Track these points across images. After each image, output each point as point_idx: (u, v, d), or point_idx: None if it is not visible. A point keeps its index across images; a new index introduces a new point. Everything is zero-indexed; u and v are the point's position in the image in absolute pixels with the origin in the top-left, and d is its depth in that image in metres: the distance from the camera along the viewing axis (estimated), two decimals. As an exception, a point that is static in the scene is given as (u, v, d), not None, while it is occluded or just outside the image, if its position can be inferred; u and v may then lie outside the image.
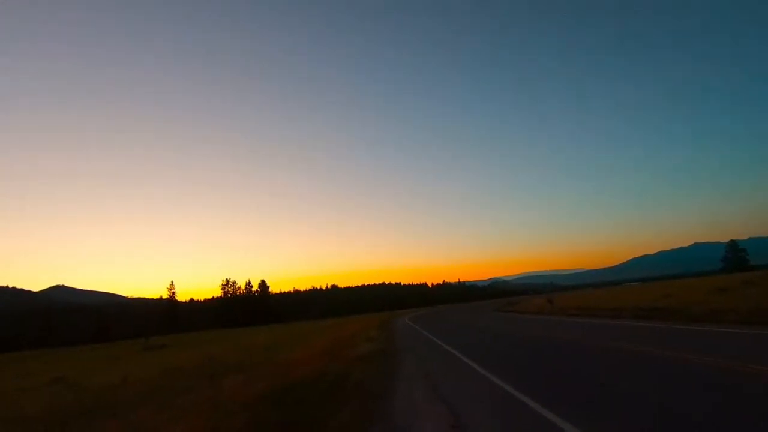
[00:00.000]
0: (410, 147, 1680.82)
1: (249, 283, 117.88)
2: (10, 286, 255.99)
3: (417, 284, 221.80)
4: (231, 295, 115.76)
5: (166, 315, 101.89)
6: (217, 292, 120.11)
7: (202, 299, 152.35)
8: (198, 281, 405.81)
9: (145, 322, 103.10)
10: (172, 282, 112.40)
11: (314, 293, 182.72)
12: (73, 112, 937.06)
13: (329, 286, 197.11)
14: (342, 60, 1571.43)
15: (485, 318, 31.39)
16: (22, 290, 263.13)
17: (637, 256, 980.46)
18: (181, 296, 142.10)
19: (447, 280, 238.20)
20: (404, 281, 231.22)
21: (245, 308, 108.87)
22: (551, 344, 12.45)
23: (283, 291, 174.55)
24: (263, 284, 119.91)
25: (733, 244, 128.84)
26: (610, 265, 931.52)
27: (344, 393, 7.69)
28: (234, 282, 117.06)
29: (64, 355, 40.86)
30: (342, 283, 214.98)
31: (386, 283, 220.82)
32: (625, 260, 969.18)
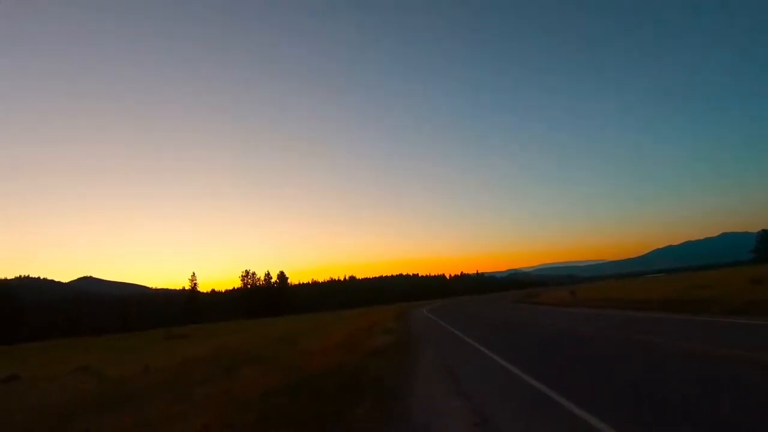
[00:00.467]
0: (429, 138, 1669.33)
1: (268, 275, 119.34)
2: (41, 277, 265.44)
3: (435, 275, 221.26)
4: (251, 286, 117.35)
5: (188, 306, 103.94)
6: (238, 284, 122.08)
7: (223, 290, 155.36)
8: (220, 273, 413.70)
9: (168, 312, 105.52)
10: (193, 273, 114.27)
11: (332, 284, 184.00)
12: (102, 108, 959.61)
13: (347, 278, 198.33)
14: (364, 57, 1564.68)
15: (505, 309, 30.83)
16: (51, 281, 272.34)
17: (660, 246, 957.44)
18: (203, 287, 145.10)
19: (465, 272, 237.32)
20: (422, 272, 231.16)
21: (264, 299, 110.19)
22: (577, 338, 11.87)
23: (302, 282, 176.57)
24: (282, 275, 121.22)
25: (764, 234, 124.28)
26: (633, 256, 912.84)
27: (361, 387, 7.39)
28: (254, 273, 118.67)
29: (90, 345, 41.88)
30: (360, 275, 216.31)
31: (404, 274, 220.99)
32: (648, 251, 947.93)
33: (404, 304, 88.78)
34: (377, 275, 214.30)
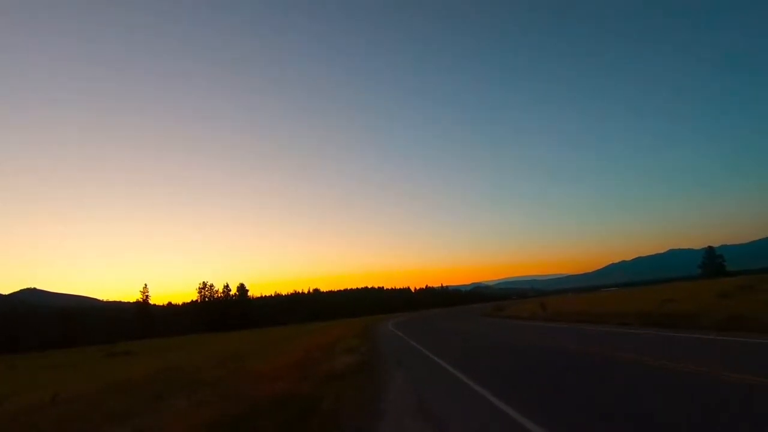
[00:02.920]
0: (393, 150, 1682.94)
1: (227, 287, 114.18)
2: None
3: (400, 288, 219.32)
4: (208, 298, 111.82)
5: (139, 319, 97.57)
6: (195, 296, 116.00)
7: (180, 303, 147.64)
8: (178, 285, 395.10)
9: (119, 326, 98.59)
10: (145, 285, 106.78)
11: (296, 297, 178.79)
12: (48, 109, 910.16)
13: (311, 290, 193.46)
14: (332, 60, 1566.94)
15: (477, 324, 29.32)
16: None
17: (615, 261, 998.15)
18: (160, 300, 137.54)
19: (430, 285, 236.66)
20: (387, 285, 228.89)
21: (223, 312, 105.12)
22: (569, 358, 10.07)
23: (264, 295, 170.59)
24: (242, 287, 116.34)
25: (710, 251, 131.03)
26: (589, 271, 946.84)
27: (311, 430, 5.52)
28: (211, 285, 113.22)
29: (21, 363, 37.52)
30: (324, 287, 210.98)
31: (369, 287, 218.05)
32: (603, 266, 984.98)
33: (369, 318, 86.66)
34: (342, 288, 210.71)
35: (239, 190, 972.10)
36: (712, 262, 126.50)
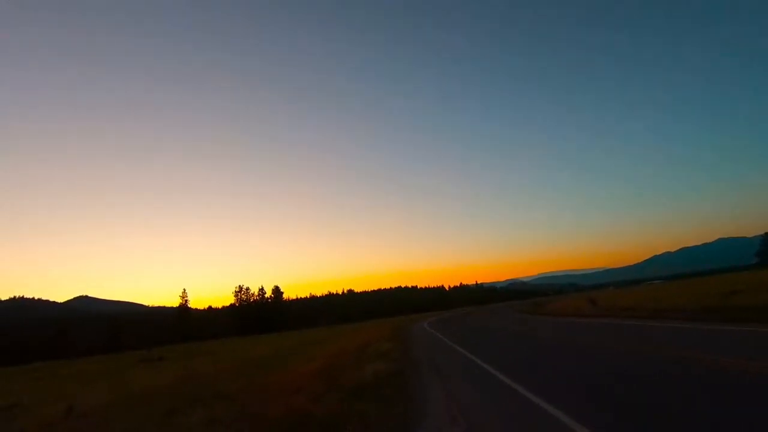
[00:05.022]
0: (426, 149, 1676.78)
1: (262, 290, 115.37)
2: (35, 298, 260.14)
3: (434, 287, 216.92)
4: (244, 302, 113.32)
5: (178, 324, 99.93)
6: (233, 300, 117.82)
7: (220, 307, 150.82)
8: (218, 289, 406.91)
9: (161, 331, 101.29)
10: (184, 290, 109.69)
11: (330, 298, 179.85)
12: (96, 125, 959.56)
13: (345, 291, 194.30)
14: (359, 66, 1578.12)
15: (519, 322, 27.22)
16: (46, 301, 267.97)
17: (657, 253, 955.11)
18: (201, 304, 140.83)
19: (464, 282, 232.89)
20: (420, 284, 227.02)
21: (258, 315, 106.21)
22: (657, 366, 7.61)
23: (299, 297, 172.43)
24: (277, 290, 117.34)
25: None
26: (631, 264, 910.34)
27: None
28: (247, 289, 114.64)
29: (62, 370, 38.22)
30: (358, 288, 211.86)
31: (402, 286, 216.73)
32: (645, 258, 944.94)
33: (403, 318, 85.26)
34: (375, 288, 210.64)
35: (275, 195, 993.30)
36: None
